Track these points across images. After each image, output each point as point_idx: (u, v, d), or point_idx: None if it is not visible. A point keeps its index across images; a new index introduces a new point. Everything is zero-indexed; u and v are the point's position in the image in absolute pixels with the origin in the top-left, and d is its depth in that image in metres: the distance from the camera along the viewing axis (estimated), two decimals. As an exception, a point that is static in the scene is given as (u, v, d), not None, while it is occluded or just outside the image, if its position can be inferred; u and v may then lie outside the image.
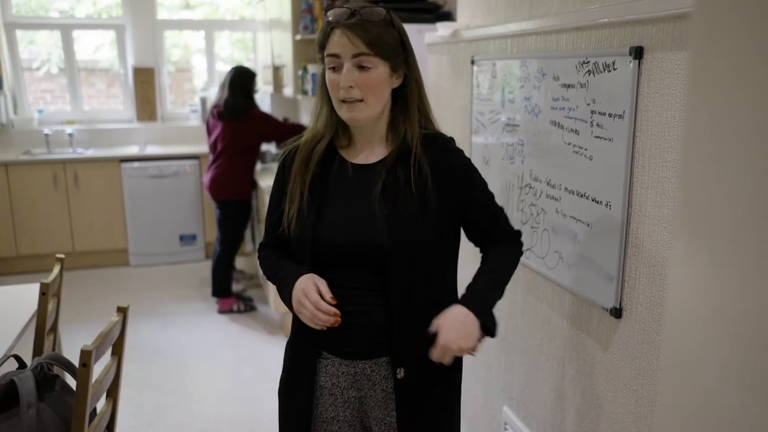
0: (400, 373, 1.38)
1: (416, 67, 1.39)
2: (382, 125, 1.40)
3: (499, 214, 1.48)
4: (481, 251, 1.51)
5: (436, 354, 1.30)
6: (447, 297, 1.43)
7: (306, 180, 1.40)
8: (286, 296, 1.40)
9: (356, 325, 1.39)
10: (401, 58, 1.35)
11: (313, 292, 1.32)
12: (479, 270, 1.45)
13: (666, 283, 1.35)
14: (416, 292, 1.37)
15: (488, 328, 1.35)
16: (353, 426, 1.46)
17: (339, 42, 1.30)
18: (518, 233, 1.51)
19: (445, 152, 1.39)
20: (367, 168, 1.40)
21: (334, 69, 1.33)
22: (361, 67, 1.30)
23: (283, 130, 4.10)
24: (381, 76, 1.32)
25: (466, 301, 1.35)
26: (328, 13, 1.32)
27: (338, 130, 1.42)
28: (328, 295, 1.33)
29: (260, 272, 4.37)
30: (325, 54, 1.33)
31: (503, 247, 1.48)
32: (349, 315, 1.38)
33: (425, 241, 1.36)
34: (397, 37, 1.34)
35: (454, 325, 1.30)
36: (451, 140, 1.43)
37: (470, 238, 1.49)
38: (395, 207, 1.34)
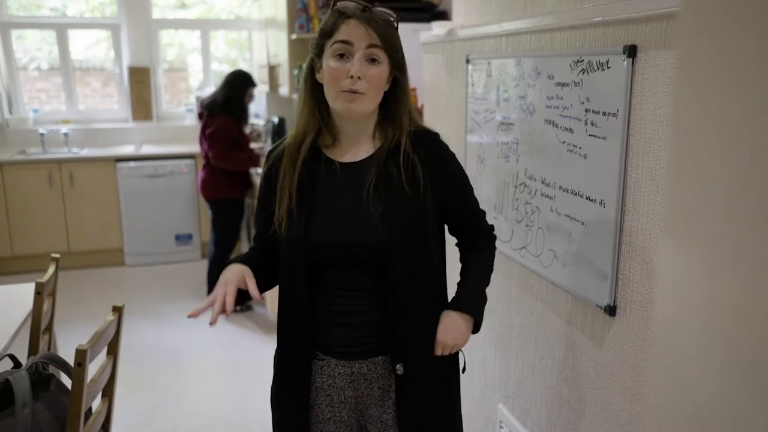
0: (400, 369, 1.40)
1: (406, 70, 1.43)
2: (370, 123, 1.41)
3: (477, 210, 1.53)
4: (460, 249, 1.57)
5: (437, 351, 1.44)
6: (440, 292, 1.50)
7: (294, 179, 1.37)
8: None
9: (351, 324, 1.39)
10: (399, 60, 1.38)
11: (232, 286, 1.28)
12: (464, 276, 1.53)
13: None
14: (415, 287, 1.39)
15: (478, 325, 1.49)
16: (349, 426, 1.45)
17: (354, 31, 1.29)
18: (491, 230, 1.58)
19: (435, 147, 1.43)
20: (357, 165, 1.39)
21: (341, 56, 1.30)
22: (372, 60, 1.31)
23: (226, 157, 3.94)
24: (384, 72, 1.34)
25: (458, 305, 1.47)
26: (339, 5, 1.32)
27: (321, 129, 1.39)
28: (256, 294, 1.29)
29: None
30: (333, 41, 1.31)
31: (480, 251, 1.55)
32: (344, 315, 1.39)
33: (422, 233, 1.38)
34: (399, 40, 1.37)
35: (450, 326, 1.45)
36: (438, 135, 1.46)
37: (451, 231, 1.55)
38: (390, 201, 1.35)
